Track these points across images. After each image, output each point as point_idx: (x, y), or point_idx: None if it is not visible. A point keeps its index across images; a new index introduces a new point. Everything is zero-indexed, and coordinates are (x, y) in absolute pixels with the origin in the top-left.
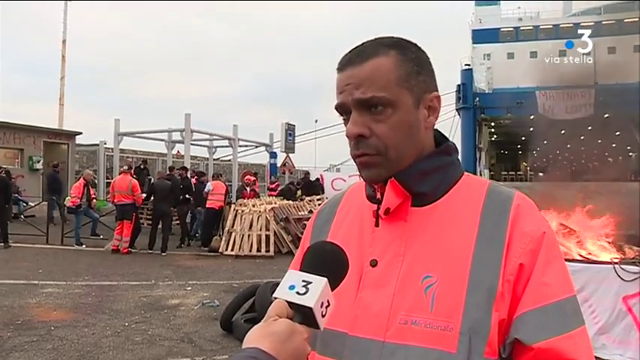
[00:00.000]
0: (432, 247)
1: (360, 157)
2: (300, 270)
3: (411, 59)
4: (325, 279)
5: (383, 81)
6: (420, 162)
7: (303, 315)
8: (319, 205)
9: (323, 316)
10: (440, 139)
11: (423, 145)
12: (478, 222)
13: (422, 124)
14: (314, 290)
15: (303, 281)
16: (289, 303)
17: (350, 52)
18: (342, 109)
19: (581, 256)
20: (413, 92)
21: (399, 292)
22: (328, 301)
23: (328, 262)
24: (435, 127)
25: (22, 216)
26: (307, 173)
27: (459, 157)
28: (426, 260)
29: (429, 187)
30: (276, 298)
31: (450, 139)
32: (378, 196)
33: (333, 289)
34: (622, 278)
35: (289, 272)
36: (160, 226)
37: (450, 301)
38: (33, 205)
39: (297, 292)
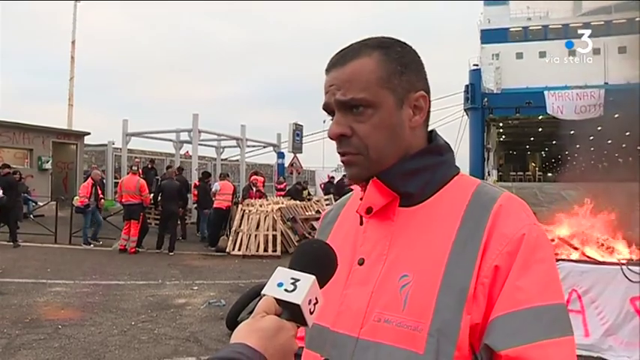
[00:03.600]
0: (413, 247)
1: (342, 156)
2: (290, 267)
3: (394, 59)
4: (313, 276)
5: (362, 82)
6: (404, 162)
7: (291, 312)
8: (327, 204)
9: (311, 313)
10: (434, 138)
11: (409, 144)
12: (459, 223)
13: (406, 123)
14: (302, 287)
15: (292, 278)
16: (277, 300)
17: (336, 54)
18: (327, 109)
19: (588, 257)
20: (395, 92)
21: (378, 290)
22: (316, 299)
23: (317, 260)
24: (432, 128)
25: (31, 215)
26: (344, 176)
27: (454, 157)
28: (405, 260)
29: (415, 188)
30: (264, 295)
31: (458, 139)
32: (362, 195)
33: (321, 287)
34: (629, 279)
35: (278, 269)
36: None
37: (422, 301)
38: (42, 204)
39: (286, 289)
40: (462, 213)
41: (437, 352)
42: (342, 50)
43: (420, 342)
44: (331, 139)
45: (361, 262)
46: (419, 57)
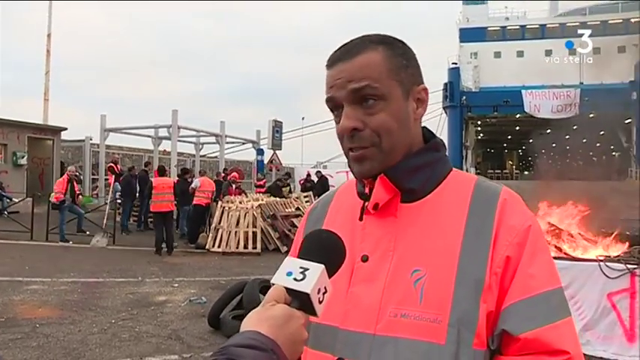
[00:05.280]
0: (421, 242)
1: (354, 151)
2: (298, 257)
3: (399, 54)
4: (322, 266)
5: (375, 73)
6: (409, 158)
7: (300, 301)
8: (306, 202)
9: (320, 302)
10: (428, 135)
11: (413, 138)
12: (466, 216)
13: (411, 115)
14: (311, 276)
15: (301, 267)
16: (287, 289)
17: (338, 49)
18: (333, 103)
19: (566, 254)
20: (403, 85)
21: (389, 286)
22: (325, 288)
23: (325, 249)
24: (423, 125)
25: (5, 212)
26: (322, 175)
27: (447, 154)
28: (415, 254)
29: (417, 184)
30: (273, 284)
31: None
32: (367, 191)
33: (330, 276)
34: (607, 275)
35: (287, 259)
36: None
37: (439, 294)
38: (17, 201)
39: (295, 279)
40: (467, 207)
41: (458, 341)
42: (343, 46)
43: (440, 333)
44: (344, 133)
45: (365, 259)
46: (415, 54)
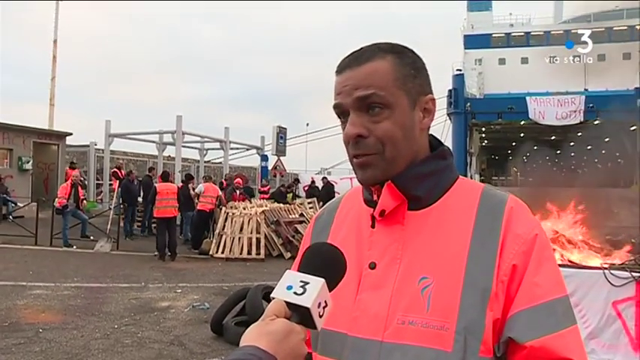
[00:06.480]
0: (428, 250)
1: (358, 158)
2: (299, 270)
3: (408, 63)
4: (323, 280)
5: (382, 82)
6: (416, 166)
7: (300, 315)
8: (310, 208)
9: (320, 316)
10: (435, 143)
11: (419, 146)
12: (472, 225)
13: (417, 125)
14: (311, 290)
15: (301, 282)
16: (287, 303)
17: (348, 56)
18: (340, 110)
19: (571, 261)
20: (409, 94)
21: (397, 293)
22: (326, 302)
23: (326, 263)
24: (430, 132)
25: (10, 217)
26: (328, 182)
27: (454, 162)
28: (422, 262)
29: (424, 191)
30: (274, 298)
31: None
32: (375, 198)
33: (330, 290)
34: (612, 283)
35: (287, 272)
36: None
37: (446, 302)
38: (22, 205)
39: (295, 293)
40: (474, 215)
41: (464, 349)
42: (353, 53)
43: (447, 340)
44: (348, 139)
45: (373, 266)
46: (425, 64)
